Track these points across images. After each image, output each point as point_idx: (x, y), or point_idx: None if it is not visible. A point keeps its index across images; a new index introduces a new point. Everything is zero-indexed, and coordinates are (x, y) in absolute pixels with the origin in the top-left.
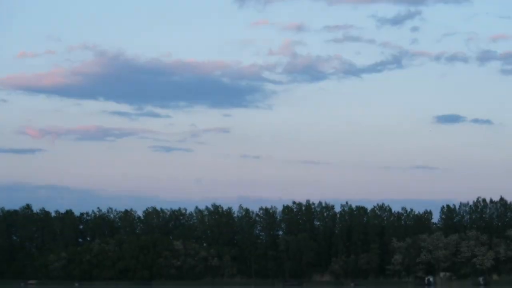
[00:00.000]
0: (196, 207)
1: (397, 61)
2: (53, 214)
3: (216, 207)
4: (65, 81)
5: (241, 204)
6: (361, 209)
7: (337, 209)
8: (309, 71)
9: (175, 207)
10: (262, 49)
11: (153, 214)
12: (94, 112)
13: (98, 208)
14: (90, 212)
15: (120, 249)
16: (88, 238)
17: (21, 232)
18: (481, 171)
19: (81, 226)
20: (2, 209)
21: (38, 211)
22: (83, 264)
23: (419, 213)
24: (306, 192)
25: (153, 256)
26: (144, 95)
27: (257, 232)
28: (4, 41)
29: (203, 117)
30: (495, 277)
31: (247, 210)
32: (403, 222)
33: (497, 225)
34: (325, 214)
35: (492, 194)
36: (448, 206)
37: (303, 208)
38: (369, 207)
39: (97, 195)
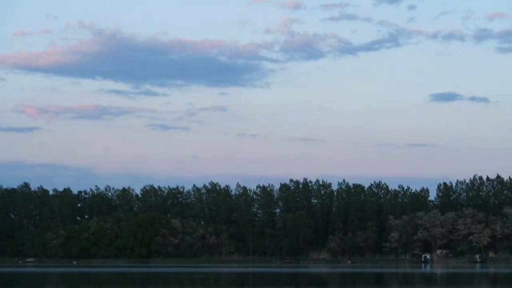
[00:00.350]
0: (194, 185)
1: (393, 39)
2: (51, 192)
3: (213, 185)
4: (62, 59)
5: (238, 182)
6: (358, 187)
7: (334, 186)
8: (306, 49)
9: (173, 185)
10: (259, 27)
11: (150, 192)
12: (92, 91)
13: (96, 186)
14: (88, 190)
15: (118, 227)
16: (86, 216)
17: (19, 211)
18: (478, 149)
19: (79, 204)
20: (0, 188)
21: (36, 189)
22: (81, 242)
23: (416, 190)
24: (303, 170)
25: (150, 234)
26: (141, 74)
27: (255, 210)
28: (1, 20)
29: (200, 95)
30: (491, 254)
31: (244, 188)
32: (400, 200)
33: (493, 203)
34: (322, 192)
35: (488, 171)
36: (444, 183)
37: (301, 186)
38: (366, 184)
39: (94, 174)
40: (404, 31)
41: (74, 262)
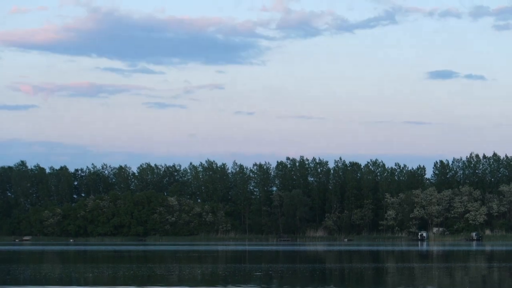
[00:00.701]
0: (191, 163)
1: (390, 17)
2: (47, 170)
3: (210, 163)
4: (58, 37)
5: (235, 160)
6: (354, 165)
7: (331, 164)
8: (303, 27)
9: (169, 163)
10: (255, 5)
11: (147, 170)
12: (87, 69)
13: (93, 164)
14: (84, 169)
15: (115, 205)
16: (83, 194)
17: (16, 189)
18: (475, 126)
19: (75, 183)
20: None
21: (32, 167)
22: (78, 220)
23: (412, 168)
24: (300, 148)
25: (147, 212)
26: (137, 52)
27: (251, 188)
28: None
29: (197, 73)
30: (487, 232)
31: (241, 166)
32: (396, 178)
33: (490, 181)
34: (319, 170)
35: (485, 149)
36: (441, 161)
37: (297, 164)
38: (362, 162)
39: (91, 152)
40: (401, 8)
41: (71, 240)
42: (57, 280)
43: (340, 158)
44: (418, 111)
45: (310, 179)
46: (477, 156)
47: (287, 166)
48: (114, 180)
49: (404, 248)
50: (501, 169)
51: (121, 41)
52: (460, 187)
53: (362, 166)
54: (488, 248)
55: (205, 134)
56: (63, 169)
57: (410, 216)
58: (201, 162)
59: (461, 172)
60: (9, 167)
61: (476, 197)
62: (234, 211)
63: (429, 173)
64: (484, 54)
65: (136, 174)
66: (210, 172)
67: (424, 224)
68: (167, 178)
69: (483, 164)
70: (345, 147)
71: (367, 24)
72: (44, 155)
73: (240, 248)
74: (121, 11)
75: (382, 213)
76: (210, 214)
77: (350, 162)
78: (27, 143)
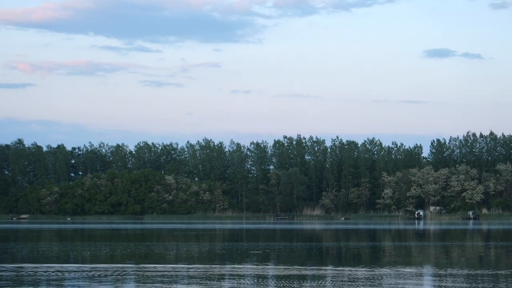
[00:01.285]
0: (188, 142)
1: None
2: (45, 148)
3: (207, 142)
4: (55, 15)
5: (232, 139)
6: (351, 144)
7: (328, 143)
8: (299, 5)
9: (167, 142)
10: None
11: (144, 148)
12: (85, 47)
13: (90, 142)
14: (82, 147)
15: (112, 184)
16: (80, 173)
17: (13, 167)
18: (471, 105)
19: (73, 161)
20: None
21: (30, 145)
22: (75, 199)
23: (409, 147)
24: (297, 126)
25: (144, 190)
26: (134, 30)
27: (248, 166)
28: None
29: (194, 52)
30: (484, 211)
31: (238, 145)
32: (393, 157)
33: (486, 159)
34: (316, 148)
35: (482, 128)
36: (438, 140)
37: (294, 142)
38: (359, 141)
39: (88, 130)
40: None
41: (69, 218)
42: (55, 258)
43: (337, 137)
44: (415, 89)
45: (307, 157)
46: (474, 135)
47: (284, 145)
48: (111, 159)
49: (401, 226)
50: (498, 148)
51: (118, 20)
52: (457, 165)
53: (359, 145)
54: (484, 227)
55: (202, 112)
56: (61, 147)
57: (407, 194)
58: (198, 141)
59: (458, 151)
60: (6, 145)
61: (473, 176)
62: (231, 189)
63: (426, 152)
64: (481, 32)
65: (134, 152)
66: (207, 151)
67: (421, 203)
68: (164, 157)
69: (480, 142)
70: (342, 126)
71: (364, 2)
72: (41, 134)
73: (237, 226)
74: None
75: (379, 192)
76: (207, 192)
77: (347, 141)
78: (25, 121)
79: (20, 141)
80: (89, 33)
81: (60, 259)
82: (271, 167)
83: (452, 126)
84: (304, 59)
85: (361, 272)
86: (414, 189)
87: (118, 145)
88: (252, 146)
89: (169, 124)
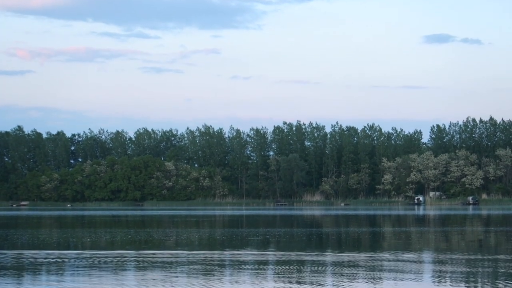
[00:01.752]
0: (187, 128)
1: None
2: (44, 135)
3: (207, 128)
4: (54, 2)
5: (232, 125)
6: (351, 129)
7: (328, 129)
8: None
9: (166, 128)
10: None
11: (144, 135)
12: (83, 33)
13: (90, 129)
14: (81, 134)
15: (112, 170)
16: (80, 159)
17: (13, 154)
18: (471, 90)
19: (72, 148)
20: None
21: (29, 132)
22: (75, 185)
23: (409, 133)
24: (297, 112)
25: (144, 177)
26: (133, 16)
27: (248, 152)
28: None
29: (193, 38)
30: (484, 196)
31: (238, 131)
32: (393, 142)
33: (486, 145)
34: (315, 134)
35: (481, 113)
36: (438, 125)
37: (294, 128)
38: (359, 127)
39: (88, 117)
40: None
41: (68, 205)
42: (55, 245)
43: (337, 123)
44: (415, 75)
45: (307, 143)
46: (473, 120)
47: (284, 131)
48: (111, 145)
49: (401, 212)
50: (497, 133)
51: (117, 6)
52: (457, 151)
53: (358, 131)
54: (484, 212)
55: (201, 99)
56: (60, 134)
57: (407, 180)
58: (198, 127)
59: (458, 136)
60: (6, 132)
61: (473, 161)
62: (231, 175)
63: (425, 137)
64: (480, 18)
65: (133, 139)
66: (207, 137)
67: (420, 189)
68: (164, 143)
69: (479, 128)
70: (342, 112)
71: None
72: (40, 120)
73: (237, 212)
74: None
75: (378, 178)
76: (207, 179)
77: (346, 127)
78: (24, 108)
79: (19, 128)
80: (88, 19)
81: (60, 246)
82: (271, 153)
83: (452, 112)
84: (303, 45)
85: (361, 257)
86: (414, 174)
87: (117, 131)
88: (252, 132)
89: (168, 111)
